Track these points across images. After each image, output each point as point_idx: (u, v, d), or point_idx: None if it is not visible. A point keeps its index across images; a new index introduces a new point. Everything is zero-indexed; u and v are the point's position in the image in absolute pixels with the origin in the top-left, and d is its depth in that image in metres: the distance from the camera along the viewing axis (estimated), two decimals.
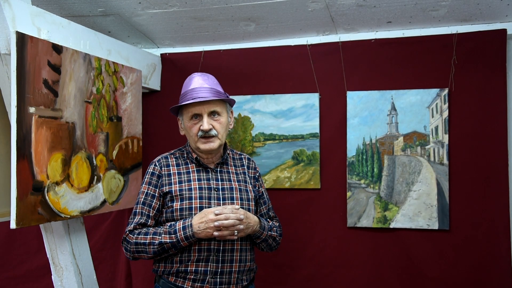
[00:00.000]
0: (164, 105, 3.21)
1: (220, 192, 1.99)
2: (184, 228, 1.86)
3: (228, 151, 2.12)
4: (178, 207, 1.94)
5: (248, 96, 3.06)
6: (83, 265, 2.50)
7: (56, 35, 2.22)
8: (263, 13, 2.65)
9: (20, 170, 1.93)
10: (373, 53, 2.87)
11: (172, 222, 1.92)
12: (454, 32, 2.75)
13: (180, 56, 3.19)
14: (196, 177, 2.00)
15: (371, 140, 2.88)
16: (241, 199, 2.02)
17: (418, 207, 2.78)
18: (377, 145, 2.87)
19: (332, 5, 2.53)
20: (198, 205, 1.94)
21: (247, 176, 2.11)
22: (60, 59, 2.16)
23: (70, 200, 2.23)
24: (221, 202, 1.97)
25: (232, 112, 2.11)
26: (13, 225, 1.92)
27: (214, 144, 1.98)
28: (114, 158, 2.59)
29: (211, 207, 1.94)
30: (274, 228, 2.11)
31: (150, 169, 2.04)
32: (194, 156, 2.04)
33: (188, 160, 2.06)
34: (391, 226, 2.82)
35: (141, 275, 3.20)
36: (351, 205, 2.88)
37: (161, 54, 3.22)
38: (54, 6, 2.56)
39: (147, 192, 2.00)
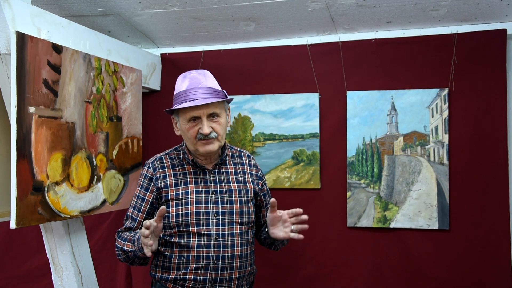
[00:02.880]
0: (164, 105, 3.21)
1: (219, 195, 1.91)
2: (139, 238, 1.79)
3: (227, 151, 2.01)
4: (174, 212, 1.86)
5: (248, 96, 3.06)
6: (83, 265, 2.50)
7: (56, 35, 2.22)
8: (263, 13, 2.65)
9: (20, 170, 1.93)
10: (373, 53, 2.88)
11: (140, 230, 1.79)
12: (454, 32, 2.75)
13: (180, 56, 3.19)
14: (193, 179, 1.91)
15: (371, 140, 2.88)
16: (241, 202, 1.93)
17: (418, 207, 2.78)
18: (377, 145, 2.87)
19: (332, 5, 2.53)
20: (194, 210, 1.86)
21: (247, 174, 2.02)
22: (60, 59, 2.16)
23: (70, 200, 2.23)
24: (220, 205, 1.89)
25: (229, 109, 2.00)
26: (13, 225, 1.92)
27: (214, 145, 1.88)
28: (114, 158, 2.59)
29: (208, 211, 1.87)
30: None
31: (144, 171, 1.97)
32: (191, 158, 1.93)
33: (184, 162, 1.96)
34: (391, 226, 2.82)
35: (141, 275, 3.20)
36: (351, 205, 2.88)
37: (161, 54, 3.22)
38: (54, 6, 2.56)
39: (137, 195, 1.96)
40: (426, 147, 2.79)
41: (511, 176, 2.69)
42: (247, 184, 1.99)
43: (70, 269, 2.43)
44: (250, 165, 2.06)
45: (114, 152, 2.59)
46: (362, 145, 2.89)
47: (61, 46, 2.17)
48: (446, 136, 2.75)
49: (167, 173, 1.93)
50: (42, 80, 2.05)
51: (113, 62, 2.57)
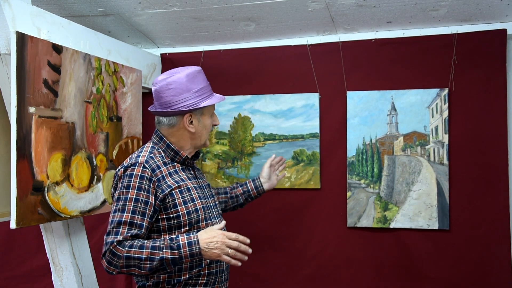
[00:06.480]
0: None
1: (205, 190, 1.97)
2: (190, 244, 1.66)
3: None
4: (185, 211, 1.80)
5: (248, 96, 3.06)
6: (83, 265, 2.50)
7: (56, 35, 2.22)
8: (263, 13, 2.65)
9: (20, 170, 1.93)
10: (373, 53, 2.88)
11: (173, 236, 1.71)
12: (454, 32, 2.75)
13: (180, 56, 3.19)
14: (185, 176, 1.89)
15: (371, 140, 2.88)
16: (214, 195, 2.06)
17: (418, 207, 2.78)
18: (377, 145, 2.87)
19: (332, 5, 2.53)
20: (202, 206, 1.86)
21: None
22: (60, 59, 2.16)
23: (70, 200, 2.23)
24: (210, 199, 1.97)
25: None
26: (13, 225, 1.92)
27: None
28: (114, 158, 2.59)
29: (210, 205, 1.92)
30: None
31: (138, 172, 1.76)
32: (184, 155, 1.90)
33: (167, 160, 1.89)
34: (391, 226, 2.82)
35: None
36: (351, 205, 2.88)
37: (161, 54, 3.22)
38: (54, 6, 2.56)
39: (136, 199, 1.72)
40: (426, 147, 2.79)
41: (511, 176, 2.69)
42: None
43: (70, 269, 2.43)
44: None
45: (114, 152, 2.60)
46: (362, 145, 2.89)
47: (61, 46, 2.17)
48: (446, 136, 2.75)
49: (163, 173, 1.82)
50: (42, 80, 2.05)
51: (113, 62, 2.57)
